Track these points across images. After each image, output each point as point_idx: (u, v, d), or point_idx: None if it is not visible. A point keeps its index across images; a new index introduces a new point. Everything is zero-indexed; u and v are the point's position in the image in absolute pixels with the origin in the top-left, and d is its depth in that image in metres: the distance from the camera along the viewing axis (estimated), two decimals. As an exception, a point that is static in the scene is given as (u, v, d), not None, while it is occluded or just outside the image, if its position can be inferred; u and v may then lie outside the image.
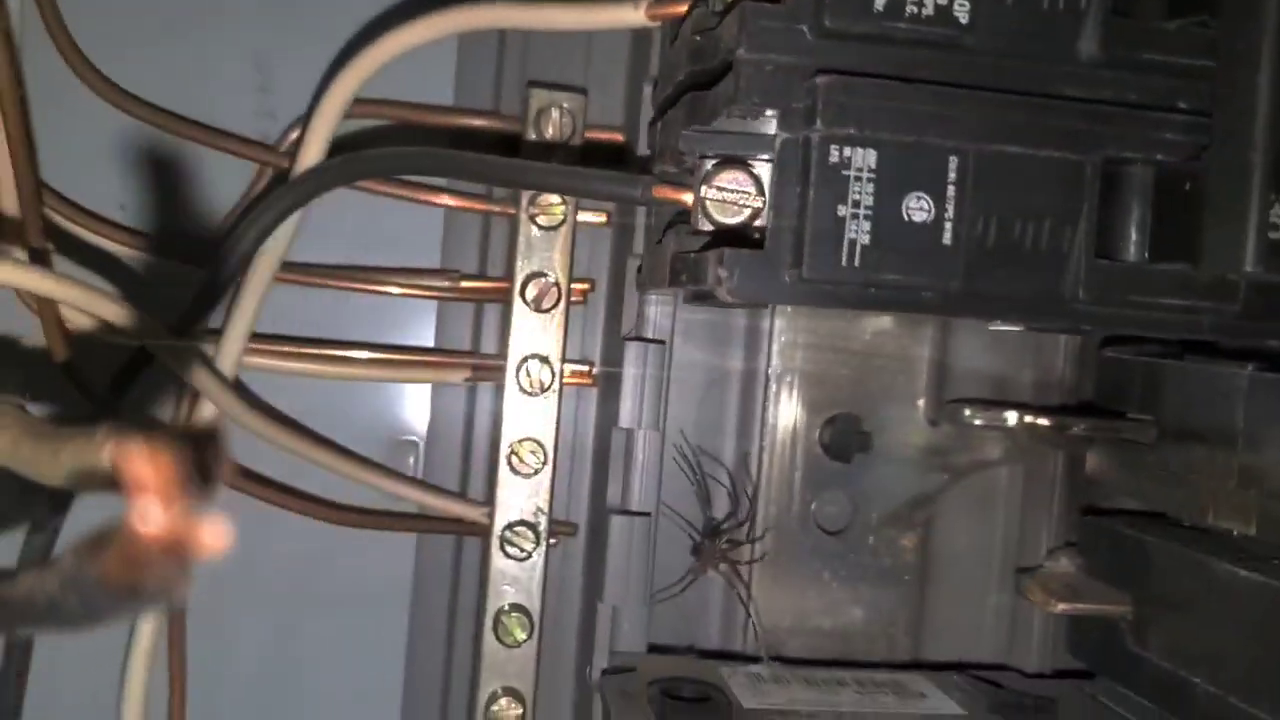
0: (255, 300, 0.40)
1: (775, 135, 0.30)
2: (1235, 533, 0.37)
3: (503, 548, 0.43)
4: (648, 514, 0.42)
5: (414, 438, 0.47)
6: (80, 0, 0.42)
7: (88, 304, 0.37)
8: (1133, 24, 0.30)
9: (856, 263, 0.29)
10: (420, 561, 0.46)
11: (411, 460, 0.46)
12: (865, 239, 0.29)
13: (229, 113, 0.44)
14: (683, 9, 0.35)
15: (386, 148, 0.38)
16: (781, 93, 0.29)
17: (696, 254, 0.32)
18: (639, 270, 0.42)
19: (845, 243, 0.29)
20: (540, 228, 0.43)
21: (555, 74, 0.44)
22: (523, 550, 0.43)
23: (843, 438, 0.45)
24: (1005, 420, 0.44)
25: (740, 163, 0.32)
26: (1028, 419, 0.43)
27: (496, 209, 0.44)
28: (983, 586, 0.47)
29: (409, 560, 0.46)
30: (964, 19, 0.29)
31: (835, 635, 0.46)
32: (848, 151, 0.29)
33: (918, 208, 0.29)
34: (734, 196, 0.32)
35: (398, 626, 0.46)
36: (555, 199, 0.42)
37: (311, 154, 0.39)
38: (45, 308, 0.37)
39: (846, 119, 0.29)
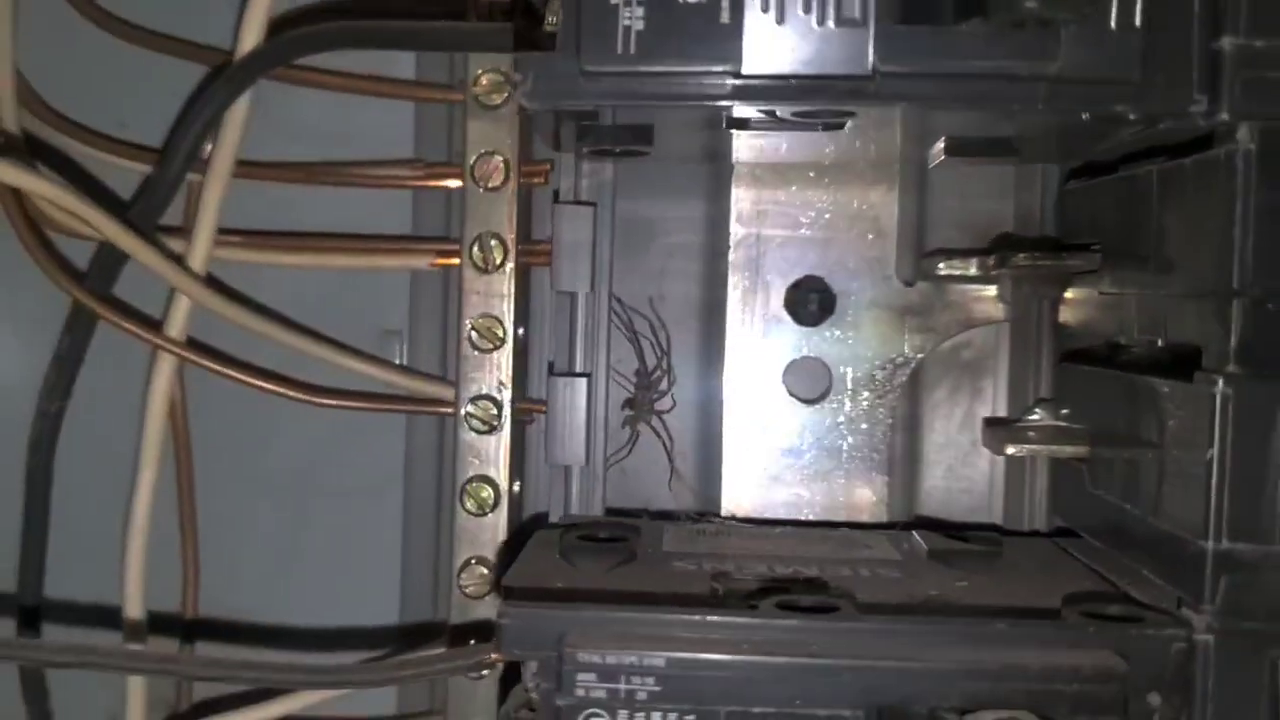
0: (218, 192, 0.43)
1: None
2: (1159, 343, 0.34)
3: (468, 421, 0.45)
4: (586, 374, 0.43)
5: (397, 327, 0.49)
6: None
7: (56, 198, 0.41)
8: None
9: (633, 50, 0.29)
10: (410, 445, 0.49)
11: (397, 349, 0.49)
12: (639, 25, 0.29)
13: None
14: None
15: (313, 26, 0.41)
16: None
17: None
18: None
19: (619, 30, 0.29)
20: (484, 107, 0.44)
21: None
22: (484, 424, 0.45)
23: (806, 300, 0.44)
24: (970, 269, 0.42)
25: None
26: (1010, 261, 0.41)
27: (456, 98, 0.46)
28: (973, 452, 0.45)
29: (401, 445, 0.49)
30: None
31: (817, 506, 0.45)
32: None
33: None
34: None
35: (394, 507, 0.49)
36: (485, 78, 0.43)
37: (249, 39, 0.42)
38: (9, 201, 0.42)
39: None
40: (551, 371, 0.43)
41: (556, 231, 0.43)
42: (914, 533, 0.40)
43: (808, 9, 0.29)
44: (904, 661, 0.29)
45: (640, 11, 0.29)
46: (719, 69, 0.29)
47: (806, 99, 0.29)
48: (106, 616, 0.45)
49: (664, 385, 0.42)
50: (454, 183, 0.46)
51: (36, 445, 0.45)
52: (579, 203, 0.43)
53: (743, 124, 0.33)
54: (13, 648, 0.40)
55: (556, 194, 0.44)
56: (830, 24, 0.29)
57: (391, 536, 0.49)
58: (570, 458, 0.43)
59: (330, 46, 0.42)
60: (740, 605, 0.31)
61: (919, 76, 0.29)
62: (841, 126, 0.33)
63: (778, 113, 0.31)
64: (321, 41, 0.41)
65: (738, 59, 0.29)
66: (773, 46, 0.29)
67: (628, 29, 0.29)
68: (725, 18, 0.29)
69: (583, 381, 0.42)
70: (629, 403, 0.42)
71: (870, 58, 0.29)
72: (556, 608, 0.30)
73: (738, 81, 0.29)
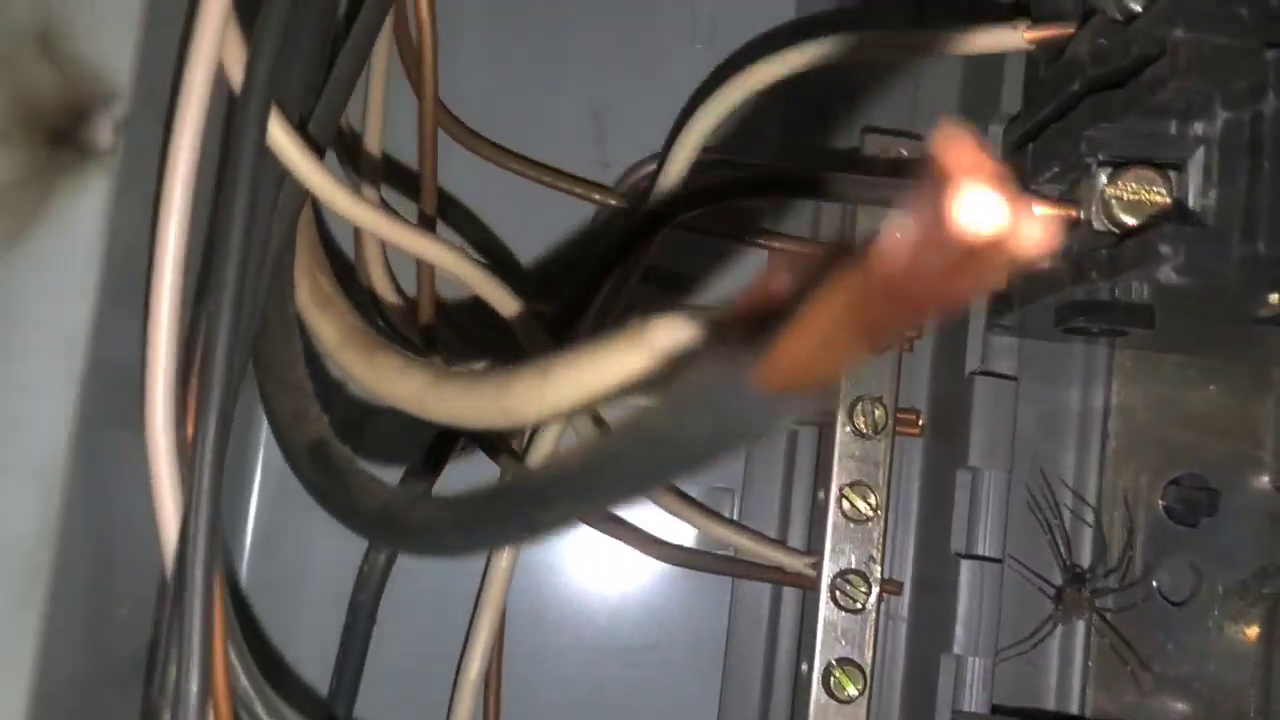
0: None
1: (1214, 121, 0.29)
2: None
3: (833, 597, 0.42)
4: (999, 560, 0.40)
5: (729, 486, 0.46)
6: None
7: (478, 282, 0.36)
8: None
9: (1314, 238, 0.28)
10: (736, 610, 0.45)
11: (728, 510, 0.46)
12: (1322, 210, 0.28)
13: (568, 159, 0.45)
14: (1064, 30, 0.35)
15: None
16: (1224, 71, 0.29)
17: (1113, 248, 0.31)
18: (989, 304, 0.41)
19: (1297, 214, 0.28)
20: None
21: (884, 119, 0.45)
22: (854, 601, 0.42)
23: (1190, 498, 0.43)
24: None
25: (1147, 164, 0.32)
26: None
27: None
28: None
29: (723, 608, 0.45)
30: None
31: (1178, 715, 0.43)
32: (1305, 125, 0.28)
33: (1377, 181, 0.28)
34: (1145, 195, 0.32)
35: (711, 676, 0.45)
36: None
37: (670, 180, 0.40)
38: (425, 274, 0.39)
39: (1303, 91, 0.28)
40: (957, 553, 0.41)
41: (973, 404, 0.40)
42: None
43: None
44: None
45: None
46: None
47: None
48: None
49: (1118, 579, 0.40)
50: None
51: (365, 582, 0.40)
52: (1000, 375, 0.41)
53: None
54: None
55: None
56: None
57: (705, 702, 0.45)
58: (979, 650, 0.40)
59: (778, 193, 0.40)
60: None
61: None
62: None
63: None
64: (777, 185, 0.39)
65: None
66: None
67: (1308, 214, 0.28)
68: None
69: (996, 568, 0.40)
70: (1058, 596, 0.40)
71: None
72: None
73: None
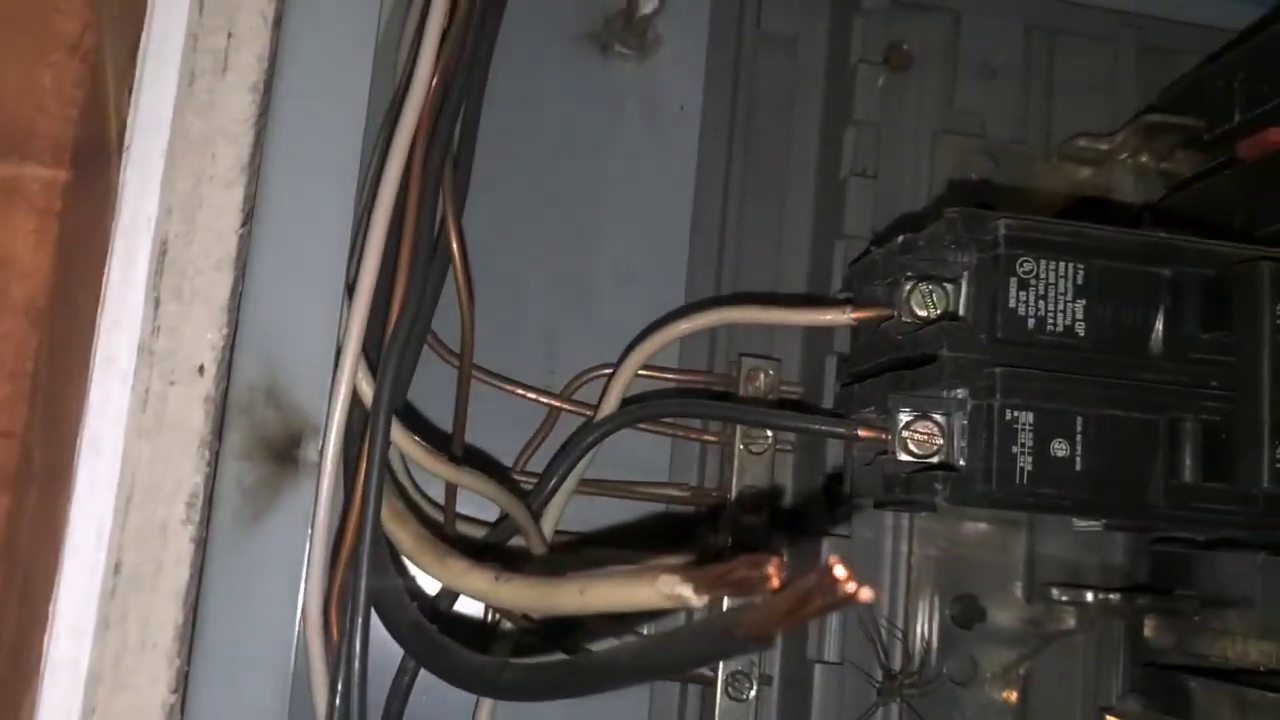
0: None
1: (964, 401, 0.48)
2: (1261, 669, 0.53)
3: (726, 691, 0.59)
4: (840, 664, 0.58)
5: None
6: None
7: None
8: (1183, 335, 0.49)
9: (1024, 482, 0.46)
10: (653, 711, 0.61)
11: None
12: (1029, 467, 0.47)
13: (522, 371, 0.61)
14: (879, 313, 0.54)
15: (664, 400, 0.56)
16: (970, 377, 0.47)
17: (911, 474, 0.49)
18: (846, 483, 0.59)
19: (1017, 471, 0.46)
20: (751, 453, 0.60)
21: (753, 347, 0.63)
22: (741, 694, 0.59)
23: (966, 610, 0.62)
24: (1084, 596, 0.61)
25: (929, 418, 0.50)
26: (1102, 595, 0.60)
27: (713, 439, 0.62)
28: (1069, 724, 0.63)
29: (643, 710, 0.61)
30: (1081, 332, 0.48)
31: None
32: (1016, 413, 0.47)
33: (1059, 448, 0.47)
34: (926, 440, 0.50)
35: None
36: (766, 432, 0.60)
37: (610, 404, 0.57)
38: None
39: (1014, 394, 0.47)
40: (811, 659, 0.58)
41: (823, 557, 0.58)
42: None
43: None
44: None
45: (1029, 460, 0.47)
46: (1071, 495, 0.47)
47: (1115, 518, 0.48)
48: None
49: (917, 679, 0.58)
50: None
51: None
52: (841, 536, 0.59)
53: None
54: None
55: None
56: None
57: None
58: (827, 725, 0.57)
59: (686, 415, 0.57)
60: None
61: (1183, 510, 0.48)
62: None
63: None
64: (679, 411, 0.56)
65: (1084, 489, 0.47)
66: (1100, 482, 0.47)
67: (1022, 470, 0.46)
68: (1078, 467, 0.47)
69: (838, 670, 0.58)
70: (881, 689, 0.58)
71: (1161, 501, 0.47)
72: None
73: (1079, 502, 0.47)
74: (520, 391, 0.61)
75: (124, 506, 0.39)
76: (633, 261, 0.65)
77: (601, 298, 0.64)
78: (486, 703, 0.55)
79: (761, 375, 0.61)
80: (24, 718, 0.38)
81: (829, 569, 0.29)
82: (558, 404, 0.61)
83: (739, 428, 0.60)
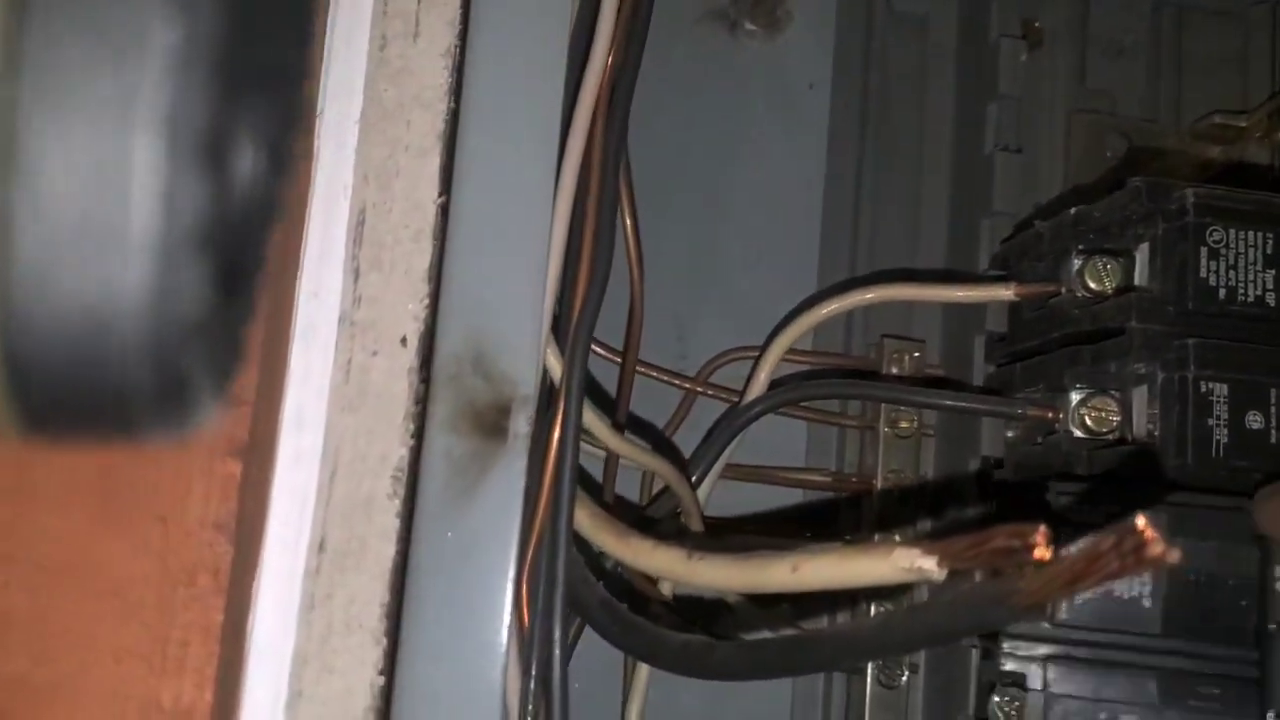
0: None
1: (1150, 374, 0.47)
2: None
3: (878, 679, 0.57)
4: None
5: (788, 597, 0.61)
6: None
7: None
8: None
9: (1220, 454, 0.45)
10: (795, 697, 0.60)
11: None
12: (1225, 439, 0.45)
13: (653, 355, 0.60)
14: (1043, 289, 0.52)
15: (823, 380, 0.55)
16: (1160, 350, 0.46)
17: (1093, 451, 0.48)
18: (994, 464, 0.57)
19: (1214, 443, 0.45)
20: (898, 437, 0.59)
21: (890, 329, 0.61)
22: (892, 681, 0.57)
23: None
24: None
25: (1106, 393, 0.49)
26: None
27: (853, 422, 0.61)
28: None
29: (785, 698, 0.60)
30: (1272, 302, 0.46)
31: None
32: (1211, 385, 0.45)
33: (1254, 420, 0.45)
34: (1104, 416, 0.49)
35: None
36: (912, 415, 0.59)
37: (758, 386, 0.56)
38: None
39: (1209, 365, 0.45)
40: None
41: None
42: None
43: None
44: None
45: (1225, 432, 0.45)
46: (1266, 467, 0.46)
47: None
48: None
49: None
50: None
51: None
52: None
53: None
54: None
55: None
56: None
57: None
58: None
59: (839, 397, 0.56)
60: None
61: None
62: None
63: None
64: (833, 392, 0.55)
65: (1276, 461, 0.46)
66: (1293, 458, 0.46)
67: (1219, 442, 0.45)
68: (1274, 439, 0.46)
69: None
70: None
71: None
72: None
73: (1270, 475, 0.46)
74: (656, 374, 0.60)
75: (328, 481, 0.38)
76: (763, 242, 0.63)
77: (732, 280, 0.63)
78: (640, 679, 0.54)
79: (906, 357, 0.60)
80: (234, 703, 0.36)
81: (1133, 526, 0.28)
82: (698, 388, 0.60)
83: (883, 410, 0.59)
